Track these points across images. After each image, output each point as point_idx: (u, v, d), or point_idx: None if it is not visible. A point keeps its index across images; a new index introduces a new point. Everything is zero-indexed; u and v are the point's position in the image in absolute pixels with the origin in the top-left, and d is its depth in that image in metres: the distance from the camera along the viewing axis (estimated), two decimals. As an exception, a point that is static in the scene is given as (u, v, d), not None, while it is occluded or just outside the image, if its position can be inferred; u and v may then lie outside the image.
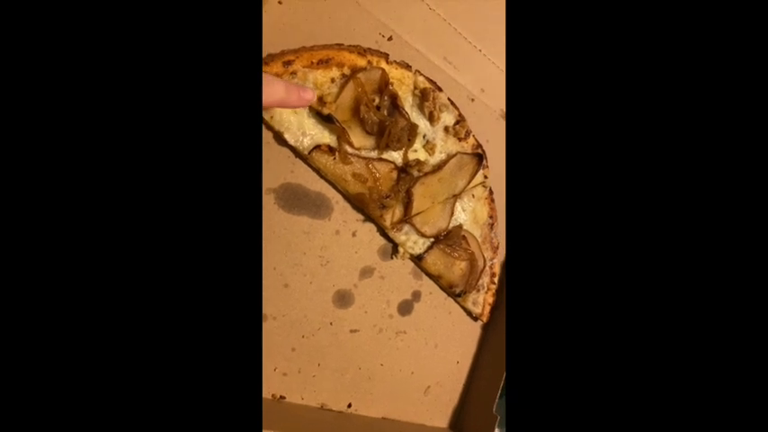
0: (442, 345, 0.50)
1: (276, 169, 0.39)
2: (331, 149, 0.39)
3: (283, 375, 0.40)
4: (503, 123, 0.53)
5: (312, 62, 0.38)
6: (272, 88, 0.32)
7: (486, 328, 0.53)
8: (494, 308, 0.53)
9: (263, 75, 0.33)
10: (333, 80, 0.39)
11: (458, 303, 0.51)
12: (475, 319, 0.52)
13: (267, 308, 0.39)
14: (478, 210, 0.50)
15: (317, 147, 0.39)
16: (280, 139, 0.38)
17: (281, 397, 0.40)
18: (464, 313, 0.52)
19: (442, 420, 0.51)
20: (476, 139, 0.49)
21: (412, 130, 0.43)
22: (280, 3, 0.38)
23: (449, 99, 0.47)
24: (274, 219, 0.39)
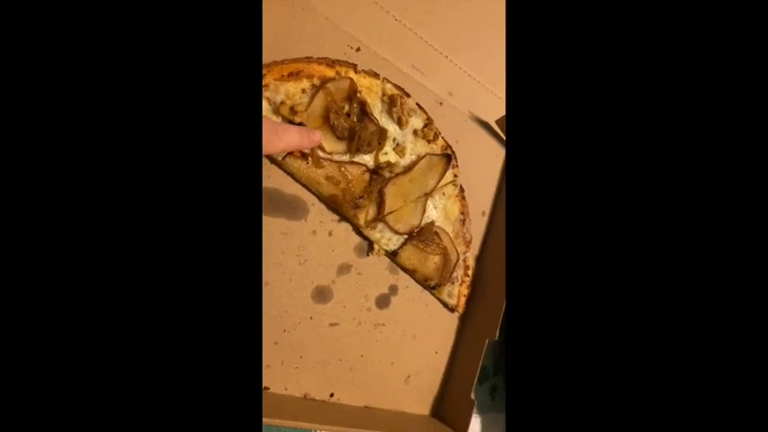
0: (420, 336, 0.53)
1: (253, 175, 0.42)
2: (304, 155, 0.42)
3: (267, 367, 0.42)
4: (472, 124, 0.57)
5: (283, 75, 0.41)
6: (289, 135, 0.38)
7: (462, 318, 0.56)
8: (469, 299, 0.56)
9: (282, 125, 0.38)
10: (303, 91, 0.42)
11: (434, 296, 0.53)
12: (451, 310, 0.55)
13: (249, 304, 0.42)
14: (449, 207, 0.53)
15: (291, 153, 0.42)
16: (255, 147, 0.41)
17: (265, 387, 0.42)
18: (440, 305, 0.54)
19: (424, 408, 0.54)
20: (445, 141, 0.52)
21: (381, 134, 0.46)
22: (251, 21, 0.40)
23: (417, 104, 0.50)
24: (253, 221, 0.42)
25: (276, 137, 0.37)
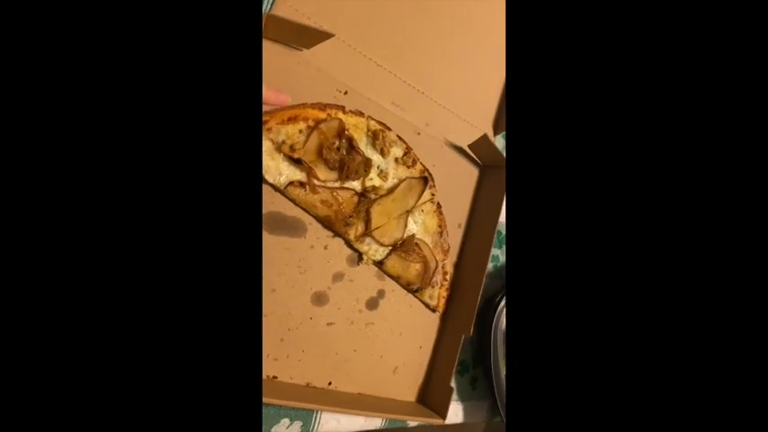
0: (405, 333, 0.61)
1: (261, 201, 0.51)
2: (302, 184, 0.51)
3: (275, 360, 0.51)
4: (447, 149, 0.65)
5: (283, 120, 0.50)
6: None
7: (442, 317, 0.65)
8: (448, 300, 0.64)
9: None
10: (300, 131, 0.51)
11: (416, 298, 0.62)
12: (432, 310, 0.64)
13: (259, 308, 0.50)
14: (428, 221, 0.62)
15: (291, 182, 0.51)
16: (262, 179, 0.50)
17: (273, 377, 0.51)
18: (423, 306, 0.63)
19: (410, 395, 0.62)
20: (423, 165, 0.61)
21: (367, 163, 0.55)
22: (256, 76, 0.50)
23: (397, 135, 0.59)
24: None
25: None
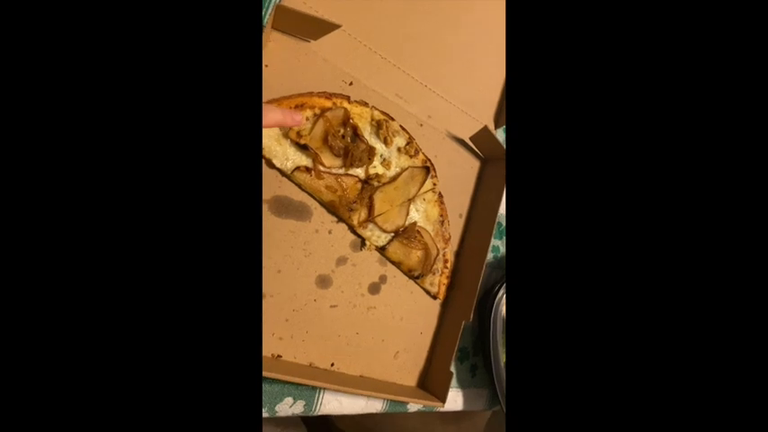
0: (406, 318, 0.63)
1: (268, 186, 0.53)
2: (308, 169, 0.53)
3: (279, 339, 0.53)
4: (449, 141, 0.67)
5: (291, 107, 0.52)
6: (272, 114, 0.46)
7: (443, 304, 0.66)
8: (448, 288, 0.66)
9: (267, 105, 0.47)
10: (307, 119, 0.53)
11: (417, 284, 0.64)
12: (433, 297, 0.65)
13: (266, 288, 0.52)
14: (429, 210, 0.64)
15: (298, 168, 0.53)
16: (270, 164, 0.52)
17: (278, 356, 0.53)
18: (424, 293, 0.65)
19: (411, 380, 0.64)
20: (425, 155, 0.63)
21: (371, 151, 0.57)
22: (266, 66, 0.52)
23: (400, 126, 0.61)
24: (268, 223, 0.53)
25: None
